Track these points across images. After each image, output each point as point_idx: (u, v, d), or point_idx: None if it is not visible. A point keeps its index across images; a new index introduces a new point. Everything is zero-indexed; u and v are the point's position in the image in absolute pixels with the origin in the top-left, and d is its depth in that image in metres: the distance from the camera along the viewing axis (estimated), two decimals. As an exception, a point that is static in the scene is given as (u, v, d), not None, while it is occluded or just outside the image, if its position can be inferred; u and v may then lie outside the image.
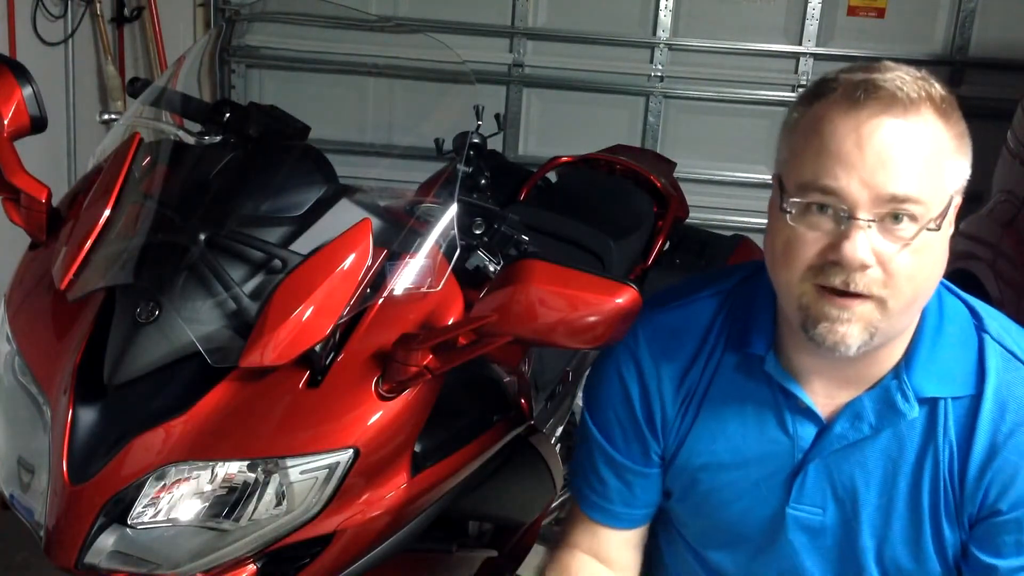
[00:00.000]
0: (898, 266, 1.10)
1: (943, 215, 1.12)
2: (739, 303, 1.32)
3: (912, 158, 1.09)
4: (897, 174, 1.08)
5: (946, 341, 1.23)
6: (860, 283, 1.10)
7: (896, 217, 1.09)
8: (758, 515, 1.31)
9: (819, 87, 1.16)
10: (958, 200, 1.16)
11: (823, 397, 1.25)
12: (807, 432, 1.26)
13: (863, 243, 1.08)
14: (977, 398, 1.22)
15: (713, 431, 1.31)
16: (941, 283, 1.27)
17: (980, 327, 1.26)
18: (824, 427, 1.25)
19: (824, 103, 1.13)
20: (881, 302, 1.12)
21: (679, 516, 1.42)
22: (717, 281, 1.36)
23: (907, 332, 1.22)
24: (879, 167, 1.08)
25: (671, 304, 1.36)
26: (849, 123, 1.10)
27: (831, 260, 1.11)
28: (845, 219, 1.10)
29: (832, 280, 1.11)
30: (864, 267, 1.09)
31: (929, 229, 1.10)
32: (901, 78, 1.12)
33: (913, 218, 1.09)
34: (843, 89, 1.12)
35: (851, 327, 1.12)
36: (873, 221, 1.09)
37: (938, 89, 1.13)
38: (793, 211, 1.13)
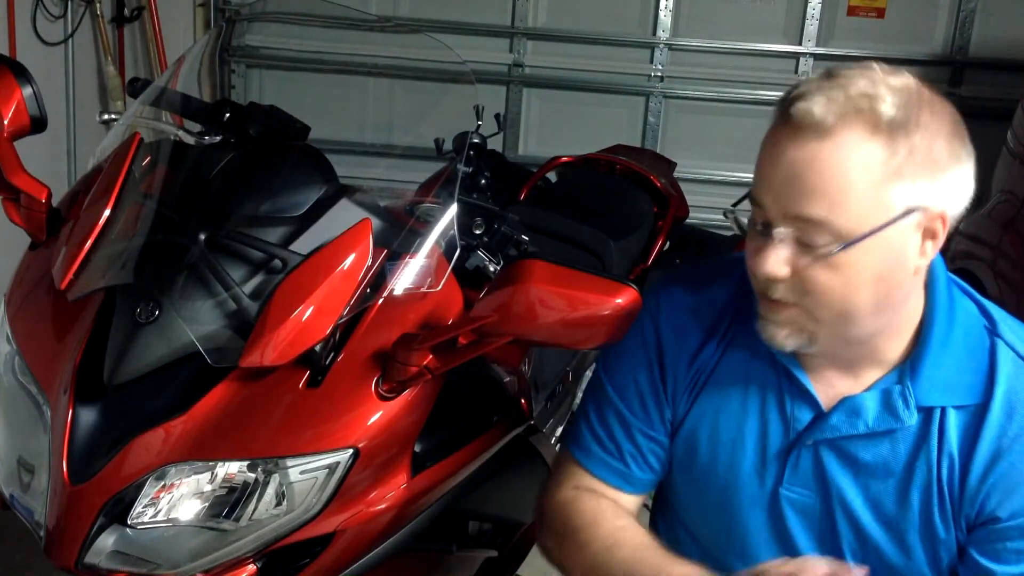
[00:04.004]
0: (812, 280, 1.13)
1: (866, 237, 1.09)
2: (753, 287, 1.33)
3: (819, 181, 1.09)
4: (801, 195, 1.10)
5: (955, 347, 1.23)
6: (775, 293, 1.16)
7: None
8: (754, 496, 1.32)
9: (781, 99, 1.17)
10: (912, 220, 1.11)
11: (825, 385, 1.26)
12: (804, 416, 1.27)
13: (773, 256, 1.13)
14: (984, 404, 1.21)
15: (716, 408, 1.32)
16: (953, 283, 1.27)
17: (993, 331, 1.25)
18: (821, 414, 1.26)
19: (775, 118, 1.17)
20: (806, 311, 1.16)
21: (679, 498, 1.43)
22: (737, 266, 1.37)
23: (906, 325, 1.23)
24: (786, 186, 1.11)
25: (693, 282, 1.38)
26: (772, 142, 1.14)
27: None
28: (765, 232, 1.15)
29: (756, 287, 1.19)
30: (772, 279, 1.14)
31: (831, 253, 1.10)
32: (826, 99, 1.09)
33: (826, 237, 1.10)
34: (782, 105, 1.14)
35: (777, 329, 1.18)
36: (785, 238, 1.13)
37: (890, 107, 1.08)
38: (744, 220, 1.22)
